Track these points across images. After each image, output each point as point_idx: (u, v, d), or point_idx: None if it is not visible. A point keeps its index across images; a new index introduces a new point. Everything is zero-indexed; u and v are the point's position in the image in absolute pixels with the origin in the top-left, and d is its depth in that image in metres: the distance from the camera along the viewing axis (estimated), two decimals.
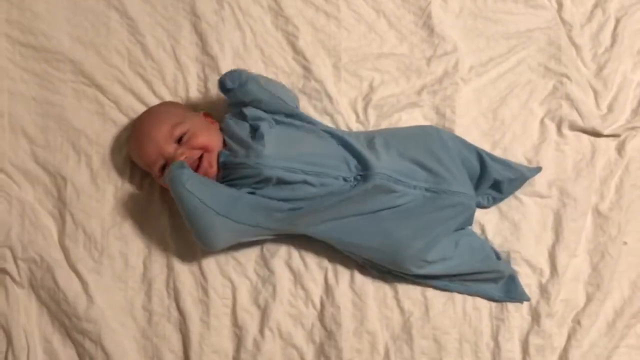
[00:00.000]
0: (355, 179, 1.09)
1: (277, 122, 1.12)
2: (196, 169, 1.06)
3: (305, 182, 1.06)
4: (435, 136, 1.17)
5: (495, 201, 1.21)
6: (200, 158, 1.07)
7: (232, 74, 1.11)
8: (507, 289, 1.16)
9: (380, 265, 1.13)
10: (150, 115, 1.12)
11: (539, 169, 1.22)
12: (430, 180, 1.11)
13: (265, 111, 1.12)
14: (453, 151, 1.16)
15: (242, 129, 1.10)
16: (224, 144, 1.11)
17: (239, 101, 1.12)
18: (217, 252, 1.14)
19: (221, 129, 1.14)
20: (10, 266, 1.12)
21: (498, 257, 1.18)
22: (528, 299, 1.17)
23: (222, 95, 1.15)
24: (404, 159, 1.12)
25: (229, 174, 1.08)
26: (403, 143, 1.14)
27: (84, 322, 1.09)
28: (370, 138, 1.15)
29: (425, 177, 1.11)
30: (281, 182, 1.05)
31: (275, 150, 1.07)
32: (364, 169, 1.09)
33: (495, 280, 1.16)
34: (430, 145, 1.15)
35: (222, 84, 1.11)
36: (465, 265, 1.13)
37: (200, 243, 1.05)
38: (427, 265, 1.10)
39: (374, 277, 1.16)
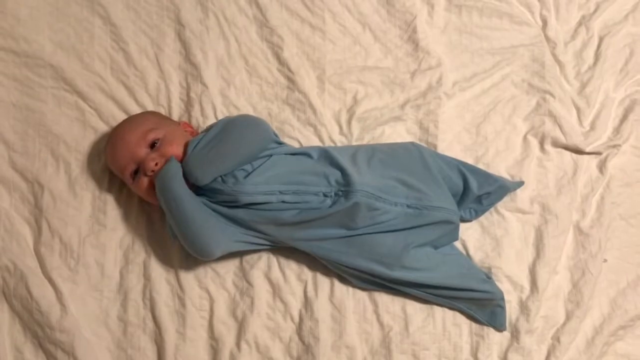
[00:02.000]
0: (335, 194, 1.08)
1: None
2: None
3: (283, 202, 1.05)
4: (415, 153, 1.17)
5: (477, 214, 1.21)
6: None
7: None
8: (492, 313, 1.15)
9: (362, 275, 1.12)
10: (127, 121, 1.12)
11: (521, 183, 1.22)
12: (411, 197, 1.11)
13: None
14: (434, 168, 1.16)
15: None
16: None
17: None
18: (195, 263, 1.13)
19: None
20: None
21: (489, 278, 1.17)
22: (505, 329, 1.16)
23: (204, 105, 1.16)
24: (384, 176, 1.12)
25: (204, 192, 1.06)
26: (384, 160, 1.14)
27: (57, 332, 1.07)
28: (352, 153, 1.15)
29: (406, 194, 1.11)
30: (257, 204, 1.05)
31: (253, 176, 1.05)
32: (346, 185, 1.07)
33: (483, 304, 1.14)
34: (410, 162, 1.15)
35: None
36: (451, 280, 1.12)
37: (195, 247, 1.03)
38: (404, 270, 1.09)
39: (354, 290, 1.15)
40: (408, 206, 1.10)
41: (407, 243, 1.09)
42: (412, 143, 1.20)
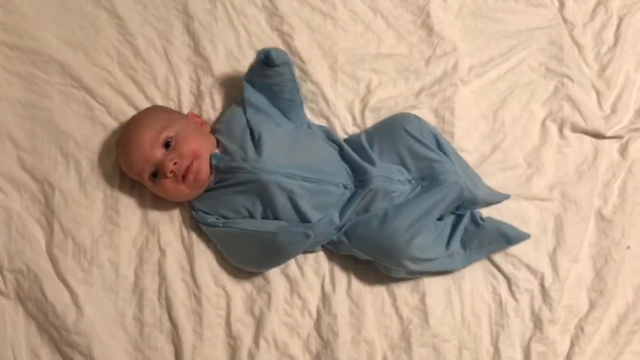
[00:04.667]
0: (355, 185, 1.08)
1: (279, 125, 1.11)
2: (185, 174, 1.03)
3: (303, 189, 1.04)
4: (410, 120, 1.16)
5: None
6: (189, 164, 1.03)
7: (277, 51, 1.08)
8: (502, 233, 1.14)
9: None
10: (134, 123, 1.09)
11: (506, 196, 1.19)
12: (422, 169, 1.11)
13: (277, 107, 1.13)
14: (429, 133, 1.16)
15: (241, 130, 1.08)
16: (217, 144, 1.09)
17: (263, 84, 1.11)
18: (211, 261, 1.11)
19: (213, 131, 1.11)
20: None
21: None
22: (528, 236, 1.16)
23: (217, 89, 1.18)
24: (391, 153, 1.12)
25: (223, 178, 1.06)
26: (385, 137, 1.13)
27: (73, 334, 1.05)
28: (358, 141, 1.14)
29: (416, 165, 1.12)
30: (282, 189, 1.03)
31: (275, 155, 1.05)
32: (361, 175, 1.08)
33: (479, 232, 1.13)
34: (407, 129, 1.14)
35: (268, 57, 1.06)
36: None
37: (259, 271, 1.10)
38: (411, 262, 1.08)
39: (371, 284, 1.13)
40: (421, 178, 1.11)
41: (412, 233, 1.07)
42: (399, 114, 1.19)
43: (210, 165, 1.06)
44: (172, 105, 1.18)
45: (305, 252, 1.12)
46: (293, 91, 1.13)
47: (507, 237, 1.14)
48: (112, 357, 1.06)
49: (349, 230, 1.09)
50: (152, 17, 1.20)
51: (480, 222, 1.13)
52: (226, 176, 1.05)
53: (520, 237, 1.15)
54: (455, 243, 1.12)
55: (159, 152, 1.03)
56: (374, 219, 1.08)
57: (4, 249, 1.08)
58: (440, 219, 1.13)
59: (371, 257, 1.10)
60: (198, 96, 1.18)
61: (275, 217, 1.06)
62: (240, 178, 1.04)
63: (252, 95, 1.12)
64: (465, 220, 1.13)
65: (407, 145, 1.12)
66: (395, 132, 1.14)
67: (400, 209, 1.08)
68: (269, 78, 1.10)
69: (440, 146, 1.15)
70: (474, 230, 1.13)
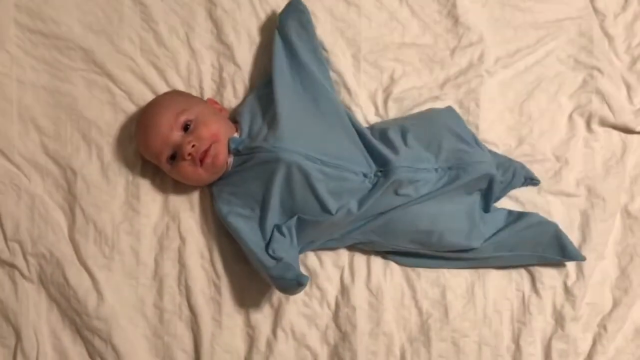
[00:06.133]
0: (375, 174, 1.06)
1: (302, 106, 1.09)
2: (203, 157, 1.02)
3: (321, 173, 1.03)
4: (453, 117, 1.14)
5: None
6: (207, 148, 1.03)
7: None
8: (562, 246, 1.12)
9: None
10: (153, 105, 1.09)
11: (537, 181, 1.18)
12: (450, 159, 1.09)
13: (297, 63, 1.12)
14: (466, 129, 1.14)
15: (263, 111, 1.08)
16: (237, 129, 1.09)
17: (287, 39, 1.13)
18: (230, 250, 1.11)
19: (235, 114, 1.12)
20: (20, 261, 1.09)
21: None
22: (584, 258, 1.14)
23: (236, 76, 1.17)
24: (421, 143, 1.09)
25: (243, 160, 1.05)
26: (423, 129, 1.11)
27: (94, 319, 1.07)
28: (384, 129, 1.11)
29: (446, 156, 1.09)
30: (300, 171, 1.02)
31: (296, 136, 1.04)
32: (384, 165, 1.06)
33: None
34: (446, 123, 1.12)
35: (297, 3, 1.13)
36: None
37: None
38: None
39: (391, 276, 1.13)
40: (449, 168, 1.08)
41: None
42: (439, 109, 1.18)
43: (229, 149, 1.05)
44: (194, 93, 1.17)
45: (327, 248, 1.12)
46: (317, 49, 1.15)
47: (564, 249, 1.11)
48: (131, 342, 1.08)
49: (378, 229, 1.08)
50: (175, 4, 1.19)
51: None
52: (246, 158, 1.04)
53: (577, 255, 1.12)
54: (504, 235, 1.12)
55: (178, 135, 1.03)
56: (409, 214, 1.07)
57: (27, 233, 1.09)
58: (486, 210, 1.13)
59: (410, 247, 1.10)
60: (220, 84, 1.18)
61: (293, 202, 1.04)
62: (260, 158, 1.03)
63: (280, 73, 1.10)
64: (530, 219, 1.13)
65: (447, 139, 1.10)
66: (437, 127, 1.11)
67: (436, 202, 1.07)
68: (294, 33, 1.13)
69: (476, 142, 1.13)
70: (530, 226, 1.12)
